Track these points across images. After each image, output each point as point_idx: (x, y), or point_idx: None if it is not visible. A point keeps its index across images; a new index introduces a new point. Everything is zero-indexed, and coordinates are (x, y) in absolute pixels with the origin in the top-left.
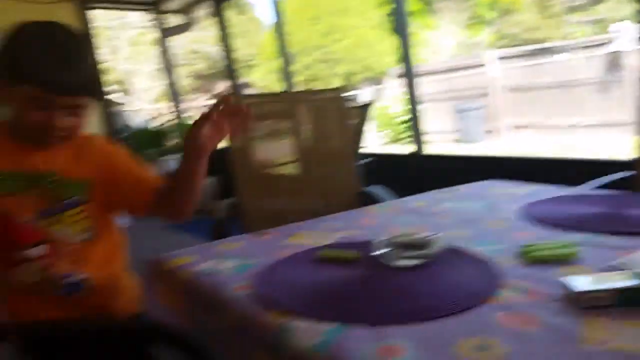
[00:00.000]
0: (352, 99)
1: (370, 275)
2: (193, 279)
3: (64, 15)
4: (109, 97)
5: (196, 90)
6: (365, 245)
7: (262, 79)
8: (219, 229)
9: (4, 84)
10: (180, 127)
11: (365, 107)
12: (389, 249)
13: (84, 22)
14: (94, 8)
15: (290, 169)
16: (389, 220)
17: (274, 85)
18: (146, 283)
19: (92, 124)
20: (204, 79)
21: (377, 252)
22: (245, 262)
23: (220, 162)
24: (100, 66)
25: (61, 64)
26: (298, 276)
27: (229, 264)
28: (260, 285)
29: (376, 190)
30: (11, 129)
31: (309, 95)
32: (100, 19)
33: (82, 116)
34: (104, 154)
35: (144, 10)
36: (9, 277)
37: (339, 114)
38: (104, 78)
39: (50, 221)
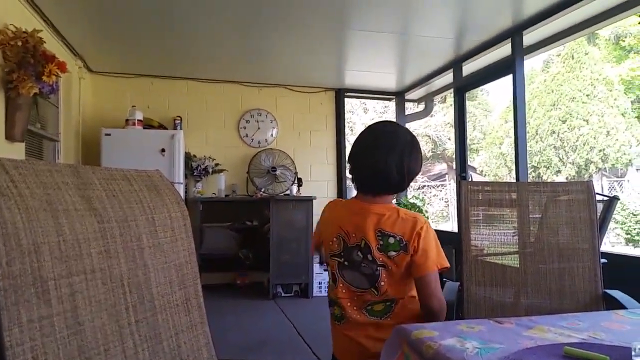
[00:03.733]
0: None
1: None
2: (439, 351)
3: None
4: None
5: None
6: (616, 350)
7: (486, 163)
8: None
9: None
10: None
11: (611, 201)
12: None
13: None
14: (349, 97)
15: (520, 261)
16: None
17: (497, 170)
18: (388, 344)
19: None
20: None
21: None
22: (488, 345)
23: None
24: None
25: None
26: None
27: (471, 344)
28: None
29: (619, 294)
30: None
31: (553, 186)
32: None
33: None
34: None
35: (389, 99)
36: None
37: (584, 207)
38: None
39: None
